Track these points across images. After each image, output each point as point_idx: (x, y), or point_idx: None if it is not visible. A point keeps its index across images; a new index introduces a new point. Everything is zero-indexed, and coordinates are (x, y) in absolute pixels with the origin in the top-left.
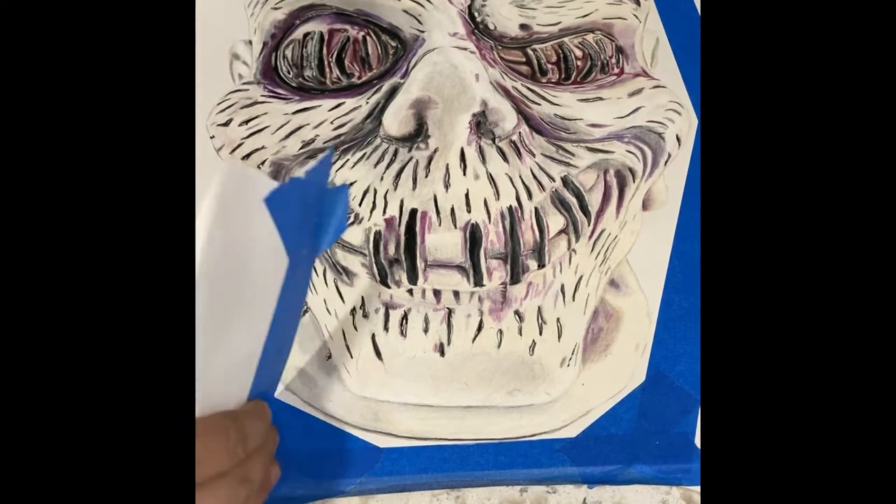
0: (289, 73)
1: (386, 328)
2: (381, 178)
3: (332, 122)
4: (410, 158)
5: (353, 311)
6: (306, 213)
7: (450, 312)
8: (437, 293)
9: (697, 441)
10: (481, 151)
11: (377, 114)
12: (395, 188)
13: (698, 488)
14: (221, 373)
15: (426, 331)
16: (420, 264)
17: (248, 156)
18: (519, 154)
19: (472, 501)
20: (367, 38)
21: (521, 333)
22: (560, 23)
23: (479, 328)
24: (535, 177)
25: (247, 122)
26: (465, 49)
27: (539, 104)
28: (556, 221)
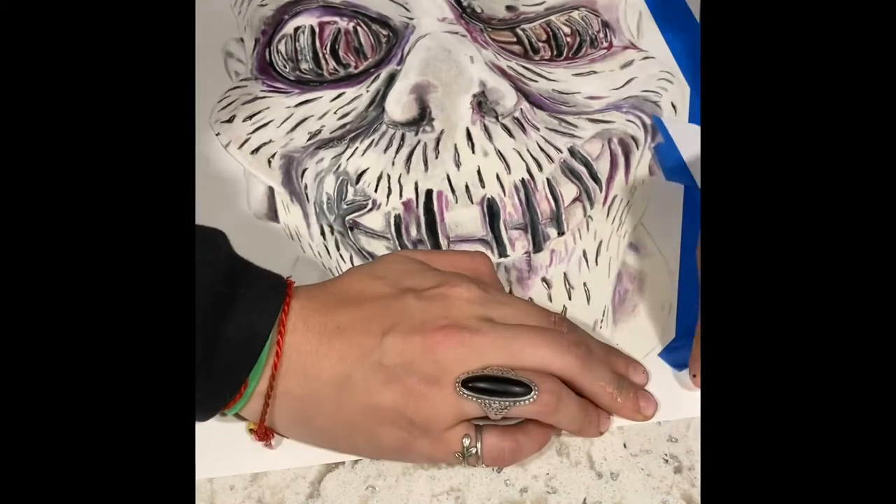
0: (285, 67)
1: None
2: (393, 163)
3: (335, 112)
4: (418, 142)
5: None
6: None
7: None
8: None
9: None
10: (486, 129)
11: (379, 101)
12: (408, 171)
13: (698, 489)
14: None
15: None
16: (443, 241)
17: (256, 150)
18: (524, 129)
19: (471, 501)
20: (358, 28)
21: (550, 300)
22: (545, 2)
23: None
24: (542, 149)
25: (250, 117)
26: (456, 33)
27: (536, 81)
28: (568, 190)
